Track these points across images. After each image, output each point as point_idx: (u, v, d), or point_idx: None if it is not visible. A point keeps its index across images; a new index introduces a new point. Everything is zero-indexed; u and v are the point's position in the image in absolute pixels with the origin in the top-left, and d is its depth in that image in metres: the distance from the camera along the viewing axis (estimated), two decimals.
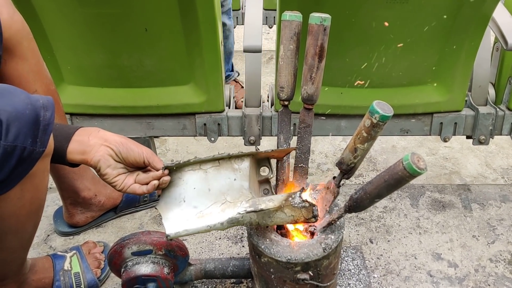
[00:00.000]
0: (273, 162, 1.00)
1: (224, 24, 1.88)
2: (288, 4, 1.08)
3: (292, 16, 0.94)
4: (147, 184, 0.89)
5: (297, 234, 0.96)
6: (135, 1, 1.10)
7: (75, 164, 0.88)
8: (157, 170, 0.89)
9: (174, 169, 0.91)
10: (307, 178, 1.00)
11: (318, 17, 0.90)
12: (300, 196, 0.86)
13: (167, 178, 0.90)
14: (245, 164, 0.93)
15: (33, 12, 1.13)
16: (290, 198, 0.86)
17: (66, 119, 1.19)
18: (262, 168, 1.00)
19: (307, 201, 0.85)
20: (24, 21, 0.98)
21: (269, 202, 0.86)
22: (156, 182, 0.89)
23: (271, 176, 1.00)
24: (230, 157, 0.93)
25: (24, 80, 0.98)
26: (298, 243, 0.90)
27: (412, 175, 0.73)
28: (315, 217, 0.86)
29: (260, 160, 0.98)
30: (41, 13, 1.14)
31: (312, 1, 1.09)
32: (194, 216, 0.89)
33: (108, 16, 1.13)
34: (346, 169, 0.87)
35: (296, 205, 0.85)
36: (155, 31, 1.17)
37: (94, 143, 0.86)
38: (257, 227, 0.93)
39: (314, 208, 0.86)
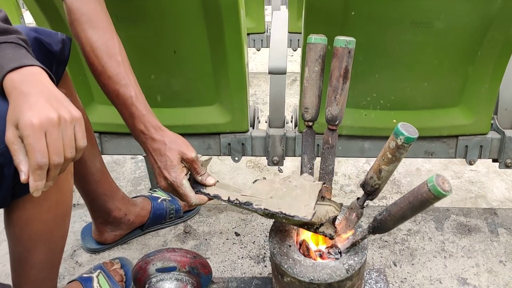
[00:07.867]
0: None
1: None
2: (313, 27, 1.11)
3: (317, 39, 0.96)
4: None
5: (320, 254, 0.96)
6: (165, 25, 1.14)
7: None
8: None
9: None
10: (330, 198, 1.01)
11: (343, 40, 0.92)
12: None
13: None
14: None
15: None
16: None
17: (94, 136, 1.22)
18: None
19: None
20: None
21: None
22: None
23: None
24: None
25: None
26: (321, 264, 0.90)
27: (437, 197, 0.74)
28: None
29: None
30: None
31: (337, 25, 1.11)
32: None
33: (139, 39, 1.17)
34: (370, 191, 0.88)
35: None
36: (183, 53, 1.20)
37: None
38: (280, 245, 0.93)
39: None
